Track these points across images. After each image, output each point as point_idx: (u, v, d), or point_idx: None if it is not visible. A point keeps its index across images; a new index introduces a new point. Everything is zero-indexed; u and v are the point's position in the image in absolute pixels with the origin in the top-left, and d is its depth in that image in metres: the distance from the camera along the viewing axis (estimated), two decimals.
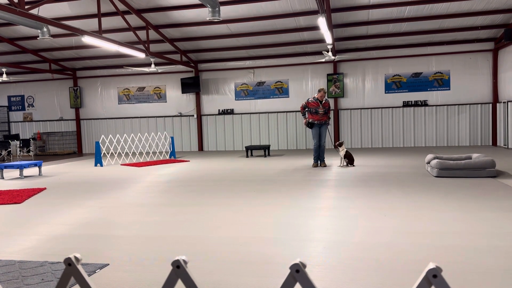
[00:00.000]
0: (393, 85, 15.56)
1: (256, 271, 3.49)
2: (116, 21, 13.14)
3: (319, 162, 10.54)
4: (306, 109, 10.41)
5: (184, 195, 7.14)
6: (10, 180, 9.90)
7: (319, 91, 10.32)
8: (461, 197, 6.20)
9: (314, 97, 10.43)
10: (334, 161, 11.33)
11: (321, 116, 10.32)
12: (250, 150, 14.09)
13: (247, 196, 6.86)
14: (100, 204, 6.57)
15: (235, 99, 16.87)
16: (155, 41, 14.62)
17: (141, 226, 5.12)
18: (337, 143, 10.40)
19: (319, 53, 15.25)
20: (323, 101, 10.34)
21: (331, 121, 15.90)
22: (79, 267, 1.45)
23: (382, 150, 14.61)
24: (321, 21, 9.91)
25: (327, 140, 11.96)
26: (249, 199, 6.60)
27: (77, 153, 18.42)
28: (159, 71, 16.08)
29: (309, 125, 10.43)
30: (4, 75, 15.61)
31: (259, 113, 16.67)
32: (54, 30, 13.28)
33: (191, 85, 16.77)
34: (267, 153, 14.02)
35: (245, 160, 12.84)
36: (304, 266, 1.34)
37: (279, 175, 9.13)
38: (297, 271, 1.34)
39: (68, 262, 1.44)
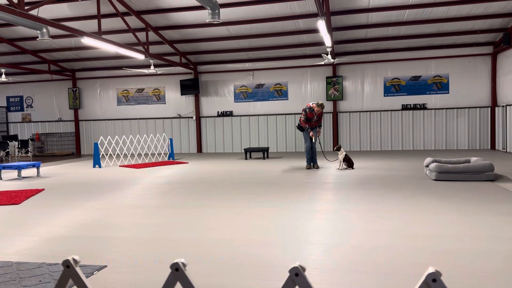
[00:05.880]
0: (392, 88, 15.58)
1: (255, 273, 3.49)
2: (115, 23, 13.14)
3: (312, 164, 10.72)
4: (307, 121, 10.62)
5: (183, 197, 7.13)
6: (8, 181, 9.87)
7: (319, 105, 10.46)
8: (459, 200, 6.20)
9: (310, 108, 10.51)
10: (333, 164, 11.34)
11: (314, 123, 10.75)
12: (249, 152, 14.09)
13: (245, 198, 6.85)
14: (98, 206, 6.56)
15: (234, 101, 16.87)
16: (155, 42, 14.62)
17: (139, 228, 5.11)
18: (336, 148, 10.50)
19: (319, 55, 15.27)
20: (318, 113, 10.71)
21: (331, 124, 15.95)
22: (77, 269, 1.44)
23: (381, 153, 14.62)
24: (321, 24, 9.92)
25: (319, 143, 12.58)
26: (248, 201, 6.59)
27: (76, 154, 18.39)
28: (158, 72, 16.08)
29: (300, 128, 10.76)
30: (3, 76, 15.59)
31: (258, 115, 16.67)
32: (54, 31, 13.29)
33: (190, 87, 16.77)
34: (266, 155, 14.01)
35: (244, 162, 12.84)
36: (304, 269, 1.34)
37: (278, 178, 9.13)
38: (296, 275, 1.34)
39: (67, 264, 1.44)
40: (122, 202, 6.81)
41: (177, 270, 1.39)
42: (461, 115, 15.09)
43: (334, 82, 15.84)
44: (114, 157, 14.25)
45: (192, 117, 17.29)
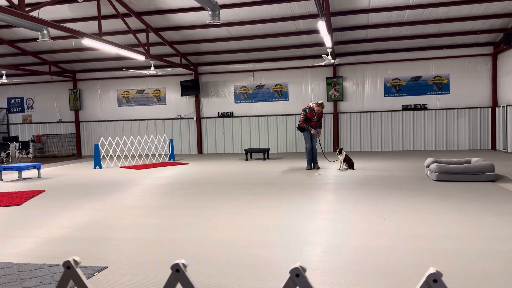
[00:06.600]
0: (392, 88, 15.58)
1: (255, 274, 3.49)
2: (116, 24, 13.15)
3: (312, 164, 10.70)
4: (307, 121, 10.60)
5: (183, 198, 7.13)
6: (9, 182, 9.87)
7: (319, 105, 10.44)
8: (460, 201, 6.19)
9: (310, 108, 10.50)
10: (333, 165, 11.33)
11: (314, 123, 10.71)
12: (249, 153, 14.09)
13: (246, 199, 6.85)
14: (98, 207, 6.56)
15: (235, 102, 16.88)
16: (155, 43, 14.63)
17: (139, 229, 5.11)
18: (338, 150, 10.46)
19: (319, 56, 15.27)
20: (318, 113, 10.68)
21: (331, 125, 15.95)
22: (78, 270, 1.44)
23: (382, 153, 14.61)
24: (321, 25, 9.92)
25: (319, 144, 12.57)
26: (248, 202, 6.59)
27: (76, 155, 18.39)
28: (159, 73, 16.09)
29: (300, 129, 10.74)
30: (4, 77, 15.59)
31: (259, 116, 16.67)
32: (54, 32, 13.29)
33: (190, 88, 16.78)
34: (266, 156, 14.01)
35: (245, 163, 12.84)
36: (304, 270, 1.34)
37: (278, 178, 9.13)
38: (297, 275, 1.34)
39: (67, 265, 1.44)
40: (122, 203, 6.81)
41: (177, 271, 1.39)
42: (461, 116, 15.08)
43: (334, 82, 15.84)
44: (115, 158, 14.25)
45: (192, 118, 17.29)
